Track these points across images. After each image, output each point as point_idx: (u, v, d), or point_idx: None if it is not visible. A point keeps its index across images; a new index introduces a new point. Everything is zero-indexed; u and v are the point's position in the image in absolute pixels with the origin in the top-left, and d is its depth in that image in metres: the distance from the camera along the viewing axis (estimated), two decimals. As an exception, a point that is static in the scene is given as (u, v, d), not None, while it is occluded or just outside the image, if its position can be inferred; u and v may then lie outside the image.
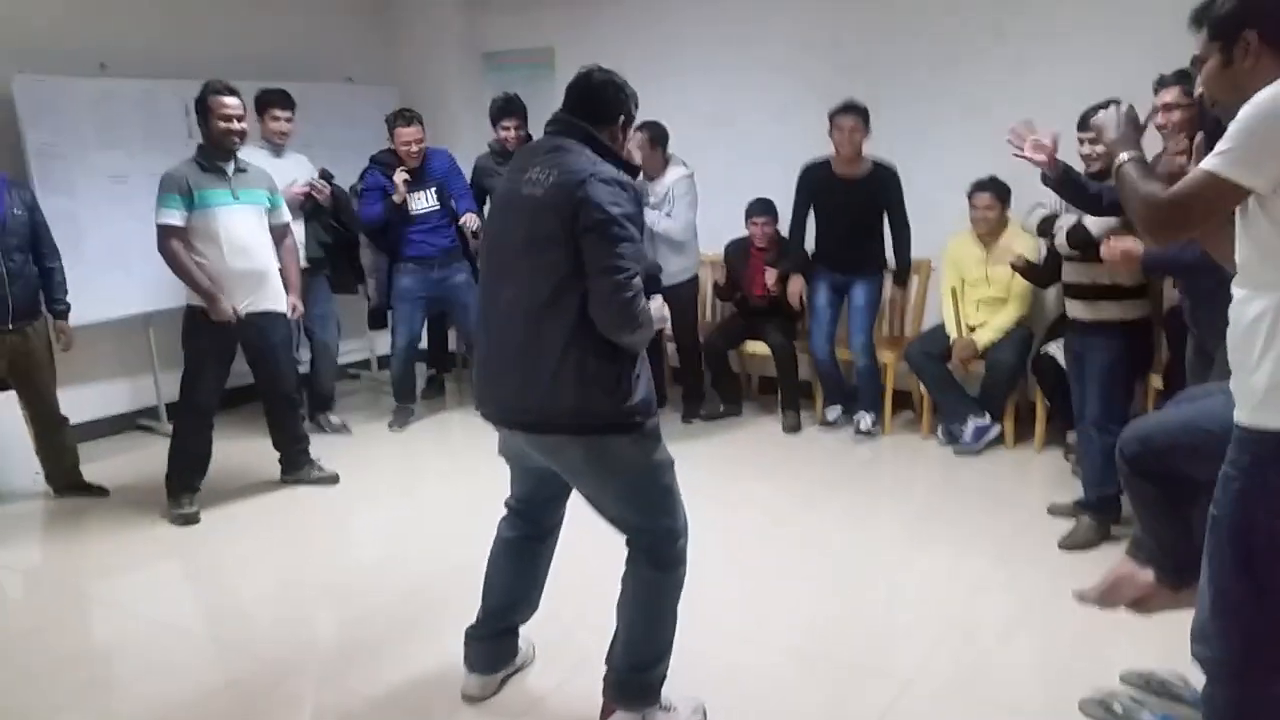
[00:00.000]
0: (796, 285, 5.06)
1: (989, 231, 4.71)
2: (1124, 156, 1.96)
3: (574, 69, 6.22)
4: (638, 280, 2.23)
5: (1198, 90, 2.01)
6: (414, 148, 5.03)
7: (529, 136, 5.07)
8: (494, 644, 2.72)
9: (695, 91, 5.69)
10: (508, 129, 5.17)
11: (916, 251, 5.18)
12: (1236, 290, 1.82)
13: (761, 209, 5.16)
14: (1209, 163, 1.72)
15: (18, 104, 4.63)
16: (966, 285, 4.88)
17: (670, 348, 5.54)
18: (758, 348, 5.27)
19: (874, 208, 4.92)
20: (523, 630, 2.81)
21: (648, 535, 2.44)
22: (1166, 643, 2.47)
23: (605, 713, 2.48)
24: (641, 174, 4.98)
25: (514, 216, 2.32)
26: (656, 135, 5.00)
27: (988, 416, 4.71)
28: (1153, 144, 2.83)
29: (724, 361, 5.39)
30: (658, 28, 5.92)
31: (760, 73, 5.58)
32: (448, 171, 5.23)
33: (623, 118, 2.40)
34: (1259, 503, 1.76)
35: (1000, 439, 4.75)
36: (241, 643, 3.17)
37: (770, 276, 5.09)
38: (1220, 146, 1.72)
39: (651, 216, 4.87)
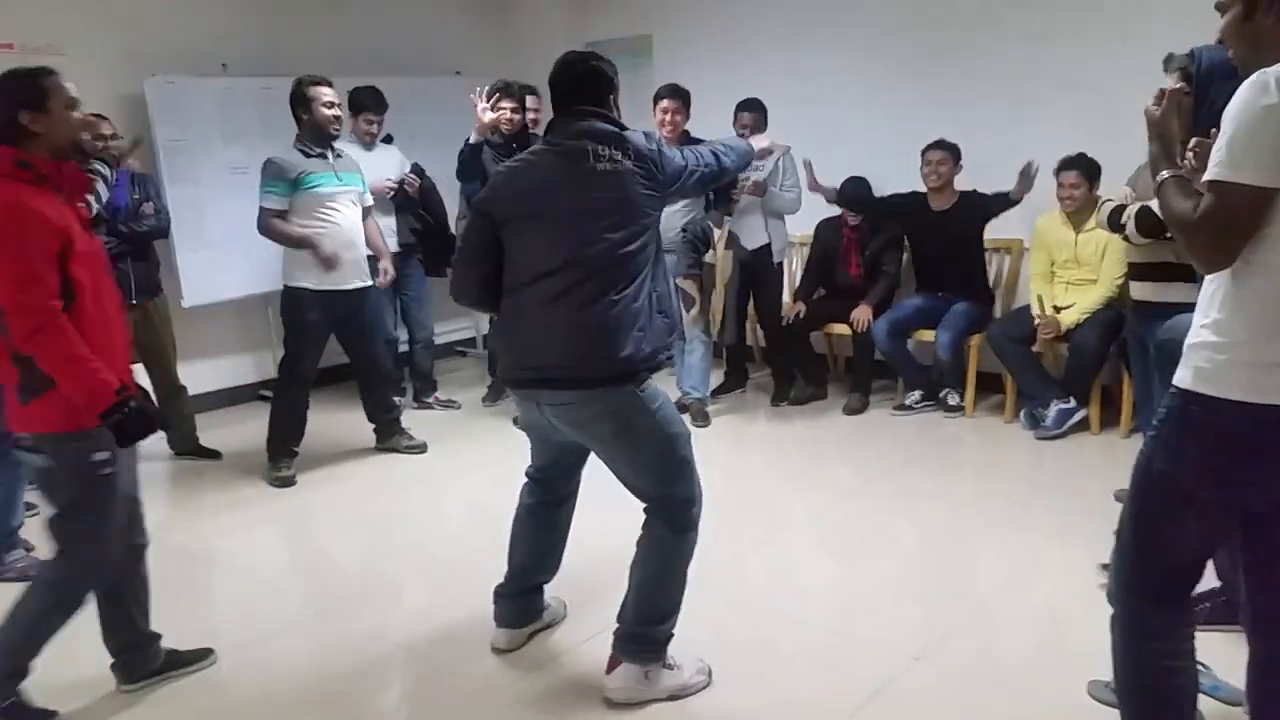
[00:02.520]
0: (864, 314, 5.09)
1: (1076, 210, 4.56)
2: (1163, 175, 1.82)
3: (670, 55, 6.40)
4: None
5: (1216, 39, 1.88)
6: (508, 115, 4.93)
7: (527, 122, 5.03)
8: (519, 601, 2.89)
9: (784, 74, 5.71)
10: (502, 111, 4.88)
11: (1009, 231, 5.09)
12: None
13: (855, 188, 5.15)
14: (1216, 170, 1.62)
15: (149, 104, 5.10)
16: (1056, 266, 4.75)
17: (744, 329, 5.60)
18: (843, 328, 5.26)
19: (967, 238, 4.99)
20: (555, 589, 2.98)
21: (664, 502, 2.56)
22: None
23: (611, 665, 2.60)
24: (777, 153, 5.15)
25: (578, 188, 2.44)
26: (759, 111, 5.08)
27: (1072, 400, 4.57)
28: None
29: (806, 343, 5.40)
30: (749, 13, 5.96)
31: (849, 55, 5.56)
32: None
33: (612, 95, 2.57)
34: (1157, 448, 1.83)
35: (1085, 423, 4.60)
36: (318, 592, 3.47)
37: (862, 314, 5.09)
38: (1219, 152, 1.63)
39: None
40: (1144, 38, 4.50)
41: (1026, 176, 4.69)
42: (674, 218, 4.62)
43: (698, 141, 4.92)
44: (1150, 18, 4.53)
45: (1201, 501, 1.79)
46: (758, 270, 5.25)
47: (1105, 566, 2.99)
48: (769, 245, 5.19)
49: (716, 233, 4.90)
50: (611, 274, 2.41)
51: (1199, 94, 2.48)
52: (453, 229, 5.44)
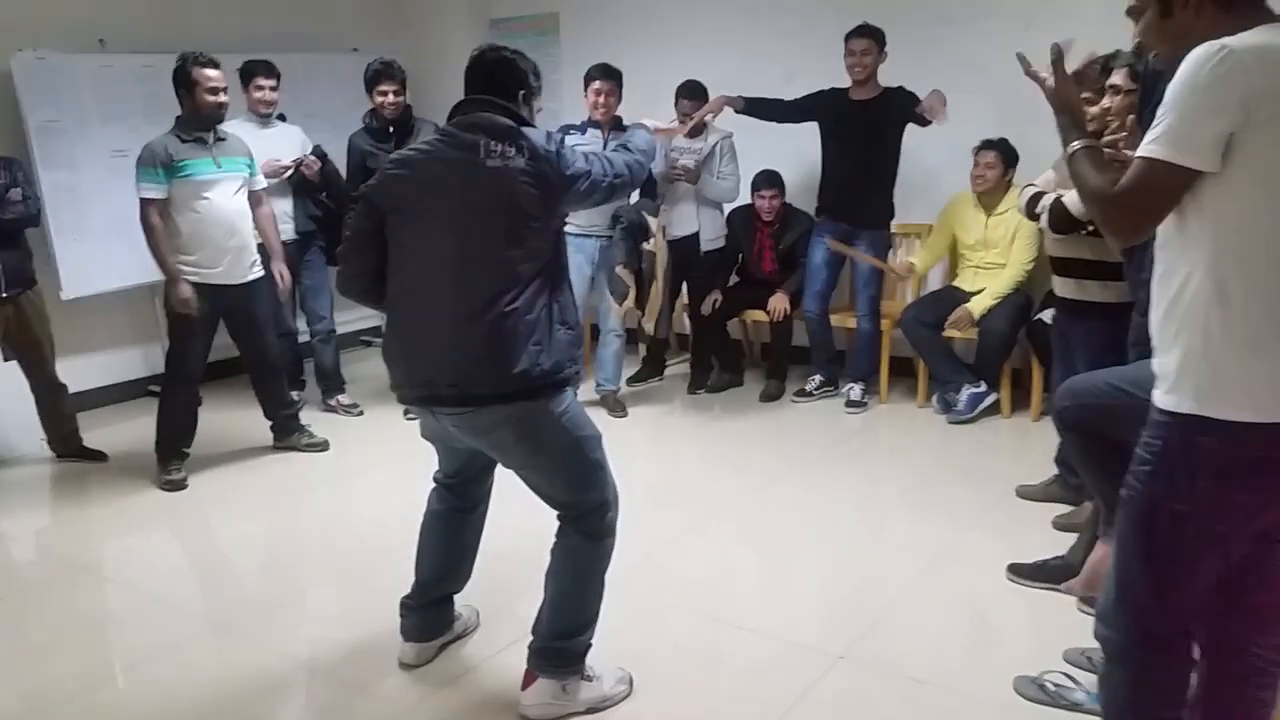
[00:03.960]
0: (780, 303, 5.01)
1: (988, 192, 4.58)
2: (1075, 145, 1.77)
3: (578, 34, 6.21)
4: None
5: (1134, 44, 1.86)
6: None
7: (409, 105, 4.88)
8: (427, 613, 2.74)
9: (701, 59, 5.58)
10: (385, 94, 4.76)
11: (918, 216, 5.09)
12: (1158, 265, 1.73)
13: (767, 181, 5.06)
14: (1145, 147, 1.59)
15: (17, 81, 4.73)
16: (964, 249, 4.78)
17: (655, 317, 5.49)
18: (761, 316, 5.20)
19: (886, 133, 4.71)
20: (466, 597, 2.84)
21: (577, 508, 2.45)
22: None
23: (527, 680, 2.49)
24: (679, 133, 4.97)
25: (464, 184, 2.29)
26: (700, 98, 4.94)
27: (983, 384, 4.60)
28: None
29: (723, 331, 5.34)
30: (658, -4, 5.84)
31: (767, 39, 5.46)
32: None
33: (523, 91, 2.45)
34: (1164, 485, 1.69)
35: (996, 407, 4.64)
36: (216, 605, 3.27)
37: (779, 302, 5.02)
38: (1153, 129, 1.58)
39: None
40: (1052, 25, 4.51)
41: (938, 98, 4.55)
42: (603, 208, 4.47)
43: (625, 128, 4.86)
44: (1060, 3, 4.54)
45: (1222, 534, 1.69)
46: (685, 258, 5.14)
47: (1012, 569, 3.02)
48: (697, 234, 5.09)
49: (653, 221, 4.75)
50: (499, 282, 2.25)
51: (1145, 92, 2.45)
52: None
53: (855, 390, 4.93)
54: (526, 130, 2.34)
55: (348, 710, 2.62)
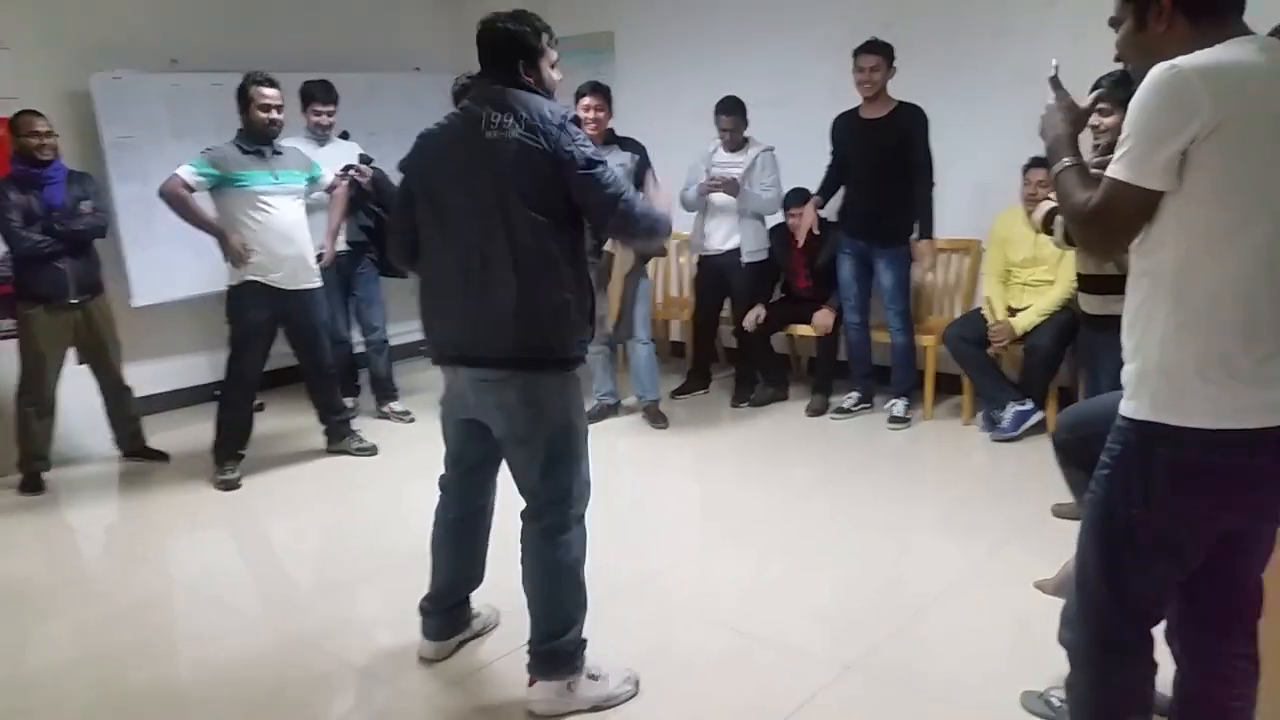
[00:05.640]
0: (809, 217, 4.94)
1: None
2: (1064, 163, 1.79)
3: (633, 52, 6.25)
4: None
5: (1114, 56, 1.84)
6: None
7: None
8: (444, 617, 2.83)
9: (751, 73, 5.63)
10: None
11: (965, 230, 5.05)
12: (1130, 273, 1.74)
13: (799, 199, 5.07)
14: (1111, 167, 1.62)
15: (95, 100, 5.01)
16: (1014, 266, 4.71)
17: (700, 330, 5.54)
18: (806, 330, 5.20)
19: (897, 151, 4.65)
20: (489, 597, 2.92)
21: (542, 495, 2.49)
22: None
23: (531, 680, 2.55)
24: (720, 145, 5.11)
25: (467, 157, 2.35)
26: (738, 113, 5.01)
27: (1029, 402, 4.53)
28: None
29: (767, 345, 5.35)
30: (711, 12, 5.90)
31: (813, 55, 5.47)
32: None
33: (521, 60, 2.40)
34: (1122, 491, 1.71)
35: (1042, 425, 4.56)
36: (260, 598, 3.41)
37: (824, 317, 5.03)
38: (1117, 149, 1.62)
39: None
40: (1100, 37, 4.45)
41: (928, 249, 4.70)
42: None
43: (624, 140, 4.93)
44: (1108, 13, 4.46)
45: (1176, 541, 1.71)
46: (726, 272, 5.18)
47: (1040, 586, 2.97)
48: (739, 248, 5.11)
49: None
50: (503, 255, 2.32)
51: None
52: None
53: (898, 406, 4.90)
54: (528, 98, 2.34)
55: (371, 702, 2.72)
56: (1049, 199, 3.53)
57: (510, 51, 2.39)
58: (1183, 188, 1.57)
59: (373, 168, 4.95)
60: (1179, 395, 1.61)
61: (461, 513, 2.76)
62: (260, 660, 2.91)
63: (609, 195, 2.35)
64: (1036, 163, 4.48)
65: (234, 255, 4.19)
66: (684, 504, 4.18)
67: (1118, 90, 3.23)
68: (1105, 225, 1.66)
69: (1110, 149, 2.53)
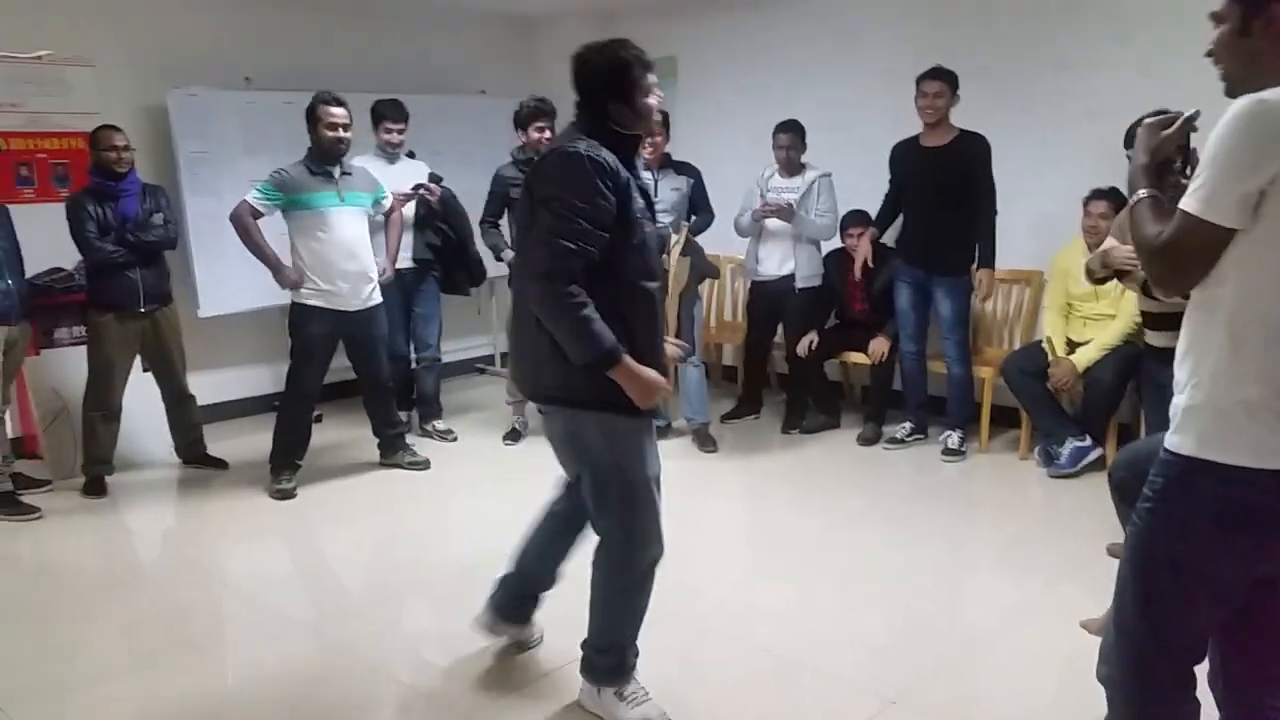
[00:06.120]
0: (864, 247, 4.94)
1: (1099, 244, 4.42)
2: (1140, 194, 1.75)
3: (695, 77, 6.31)
4: (572, 265, 2.21)
5: (1205, 51, 1.74)
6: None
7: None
8: (510, 597, 2.89)
9: (810, 99, 5.65)
10: (542, 130, 4.85)
11: (1027, 262, 4.98)
12: (1188, 307, 1.71)
13: (857, 220, 5.06)
14: (1185, 200, 1.58)
15: (172, 116, 5.18)
16: (1075, 300, 4.63)
17: (770, 355, 5.53)
18: (860, 357, 5.17)
19: (957, 180, 4.60)
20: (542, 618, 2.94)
21: (601, 531, 2.51)
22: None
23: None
24: (776, 170, 5.11)
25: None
26: (796, 132, 5.03)
27: (1088, 438, 4.43)
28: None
29: (820, 371, 5.32)
30: (771, 38, 5.93)
31: (874, 81, 5.47)
32: None
33: (580, 98, 2.36)
34: (1162, 525, 1.69)
35: (1101, 462, 4.46)
36: (309, 606, 3.46)
37: (880, 345, 5.01)
38: (1193, 182, 1.57)
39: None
40: (1167, 71, 4.39)
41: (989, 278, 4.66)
42: None
43: (679, 164, 4.97)
44: (1178, 50, 4.39)
45: (1215, 579, 1.68)
46: (780, 298, 5.18)
47: (1086, 625, 2.91)
48: (793, 273, 5.10)
49: (674, 237, 4.73)
50: (525, 295, 2.39)
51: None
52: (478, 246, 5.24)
53: (953, 438, 4.83)
54: (562, 140, 2.35)
55: (410, 714, 2.74)
56: (1114, 246, 3.48)
57: (595, 85, 2.33)
58: (1254, 227, 1.53)
59: (442, 186, 5.01)
60: (1226, 432, 1.59)
61: (564, 508, 2.75)
62: (305, 669, 2.95)
63: (536, 257, 2.27)
64: (1097, 195, 4.42)
65: (287, 285, 4.36)
66: (731, 528, 4.16)
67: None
68: (1174, 260, 1.62)
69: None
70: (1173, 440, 1.67)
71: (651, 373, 2.32)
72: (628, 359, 2.27)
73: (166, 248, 4.57)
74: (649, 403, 2.34)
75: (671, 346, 2.64)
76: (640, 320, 2.35)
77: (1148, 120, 1.84)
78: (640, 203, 2.34)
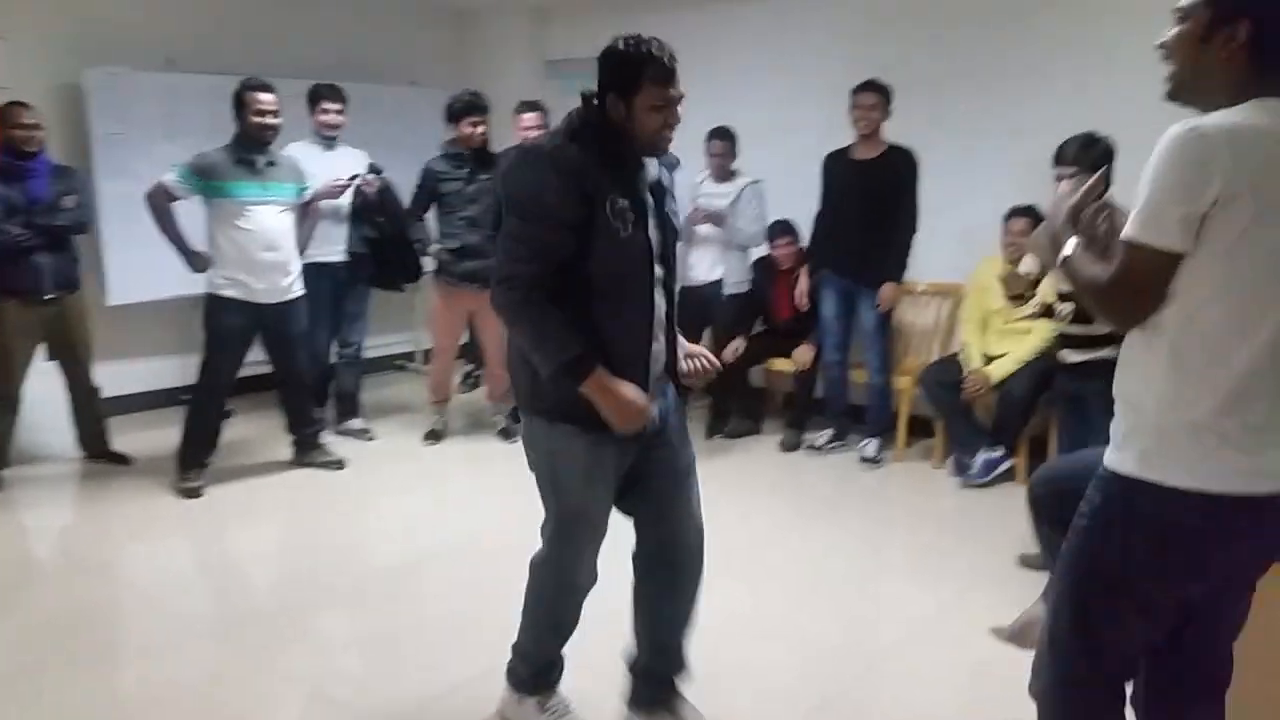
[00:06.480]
0: (804, 283, 4.98)
1: (1017, 259, 4.53)
2: (1066, 251, 1.75)
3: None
4: (526, 273, 2.11)
5: (1158, 42, 1.71)
6: (535, 133, 4.95)
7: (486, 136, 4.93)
8: (646, 684, 2.58)
9: (749, 104, 5.67)
10: (475, 125, 4.80)
11: (950, 274, 5.07)
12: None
13: (783, 230, 5.11)
14: (1127, 229, 1.58)
15: (86, 95, 4.99)
16: (992, 314, 4.73)
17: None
18: (784, 364, 5.21)
19: (885, 193, 4.66)
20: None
21: (543, 537, 2.42)
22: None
23: None
24: (708, 176, 5.13)
25: None
26: (729, 139, 5.07)
27: (1001, 449, 4.54)
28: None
29: (743, 378, 5.34)
30: (711, 43, 5.95)
31: (809, 92, 5.52)
32: None
33: (611, 90, 2.12)
34: (1100, 544, 1.70)
35: (1012, 473, 4.57)
36: (215, 611, 3.35)
37: (804, 353, 5.04)
38: (1136, 211, 1.57)
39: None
40: (1098, 96, 4.51)
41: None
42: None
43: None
44: (1108, 75, 4.52)
45: (1152, 599, 1.69)
46: (708, 303, 5.19)
47: (996, 632, 2.97)
48: (720, 280, 5.13)
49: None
50: None
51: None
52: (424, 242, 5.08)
53: (870, 446, 4.90)
54: (558, 129, 2.18)
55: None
56: (1017, 274, 3.60)
57: (602, 72, 2.15)
58: (1196, 250, 1.54)
59: (381, 178, 4.90)
60: (1168, 454, 1.60)
61: (641, 548, 2.53)
62: (211, 678, 2.85)
63: (498, 260, 2.19)
64: (1017, 212, 4.53)
65: (198, 270, 4.27)
66: None
67: (1084, 154, 3.33)
68: (1127, 291, 1.61)
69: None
70: (1112, 458, 1.68)
71: (629, 391, 2.14)
72: (599, 372, 2.12)
73: (77, 232, 4.39)
74: (624, 424, 2.15)
75: (694, 361, 2.45)
76: (616, 331, 2.18)
77: (1060, 191, 1.86)
78: (622, 203, 2.12)
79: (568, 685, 2.58)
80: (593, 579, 2.42)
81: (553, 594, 2.44)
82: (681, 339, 2.48)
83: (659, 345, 2.30)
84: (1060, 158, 3.52)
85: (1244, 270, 1.53)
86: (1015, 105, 4.88)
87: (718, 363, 2.47)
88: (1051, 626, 1.82)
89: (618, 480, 2.33)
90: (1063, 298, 3.50)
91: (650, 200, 2.25)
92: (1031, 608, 2.59)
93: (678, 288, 2.48)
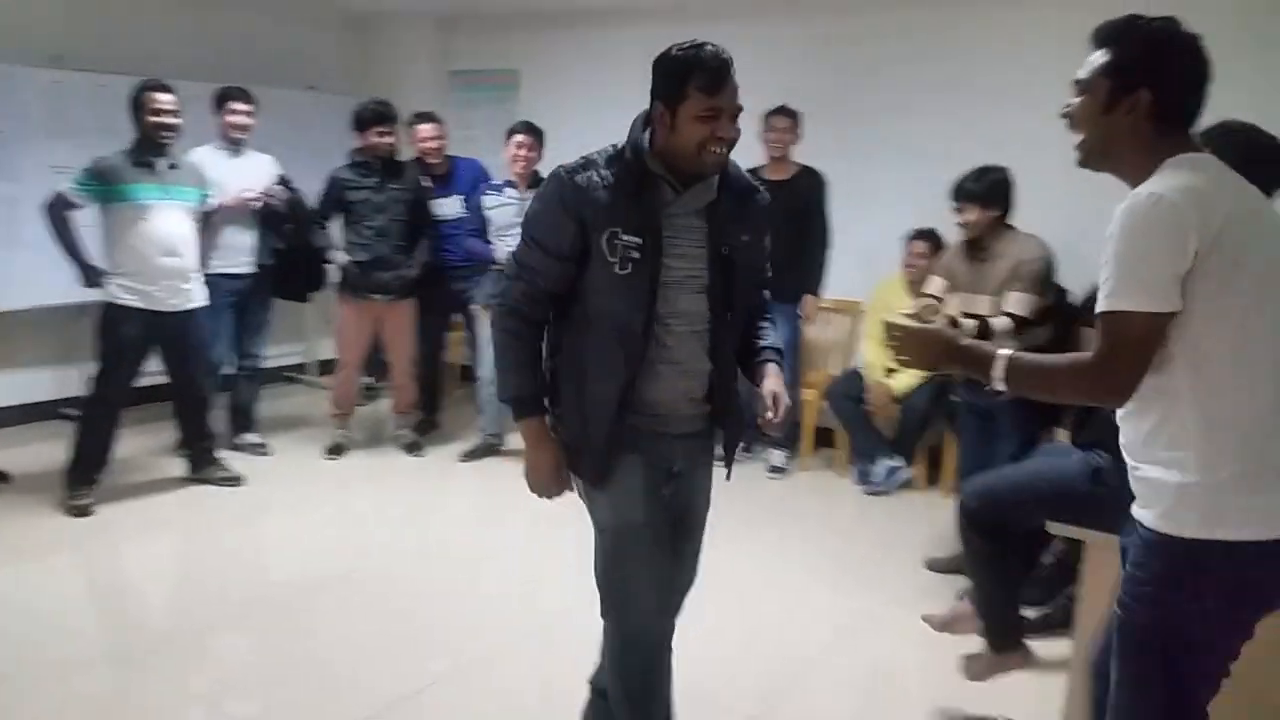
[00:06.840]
0: None
1: (917, 280, 4.72)
2: (1003, 354, 1.72)
3: (537, 93, 6.26)
4: (514, 290, 2.06)
5: (1061, 111, 1.75)
6: (433, 144, 5.07)
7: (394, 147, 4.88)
8: None
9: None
10: (383, 135, 4.76)
11: (851, 292, 5.22)
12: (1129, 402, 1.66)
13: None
14: (1111, 303, 1.55)
15: (-37, 89, 4.71)
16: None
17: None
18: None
19: (797, 214, 4.76)
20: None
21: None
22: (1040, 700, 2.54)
23: None
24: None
25: None
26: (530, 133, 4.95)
27: (901, 459, 4.71)
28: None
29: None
30: (617, 56, 5.98)
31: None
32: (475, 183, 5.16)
33: (660, 101, 2.00)
34: (1174, 612, 1.65)
35: (912, 482, 4.75)
36: (110, 633, 3.20)
37: None
38: (1107, 284, 1.56)
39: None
40: (998, 121, 4.71)
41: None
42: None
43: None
44: (1006, 101, 4.75)
45: (1231, 651, 1.67)
46: None
47: (927, 620, 3.05)
48: None
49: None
50: None
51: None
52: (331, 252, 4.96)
53: (776, 456, 5.01)
54: (604, 150, 2.10)
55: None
56: (927, 298, 3.73)
57: (653, 78, 2.02)
58: (1184, 311, 1.55)
59: (291, 189, 4.77)
60: (1226, 510, 1.58)
61: None
62: (101, 709, 2.72)
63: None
64: (918, 235, 4.72)
65: (91, 285, 4.11)
66: (550, 558, 3.97)
67: (978, 185, 3.48)
68: (1125, 362, 1.57)
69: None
70: (1167, 524, 1.62)
71: (547, 456, 2.07)
72: (533, 423, 2.05)
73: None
74: (531, 486, 2.12)
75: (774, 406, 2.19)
76: (597, 368, 2.03)
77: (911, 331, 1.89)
78: (627, 239, 1.96)
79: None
80: (656, 622, 2.28)
81: (624, 677, 2.25)
82: (772, 377, 2.27)
83: (688, 393, 2.15)
84: (957, 193, 3.66)
85: (1232, 312, 1.56)
86: (920, 131, 5.07)
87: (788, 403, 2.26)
88: (1132, 704, 1.72)
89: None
90: (967, 315, 3.65)
91: (686, 231, 2.05)
92: (958, 605, 2.71)
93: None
